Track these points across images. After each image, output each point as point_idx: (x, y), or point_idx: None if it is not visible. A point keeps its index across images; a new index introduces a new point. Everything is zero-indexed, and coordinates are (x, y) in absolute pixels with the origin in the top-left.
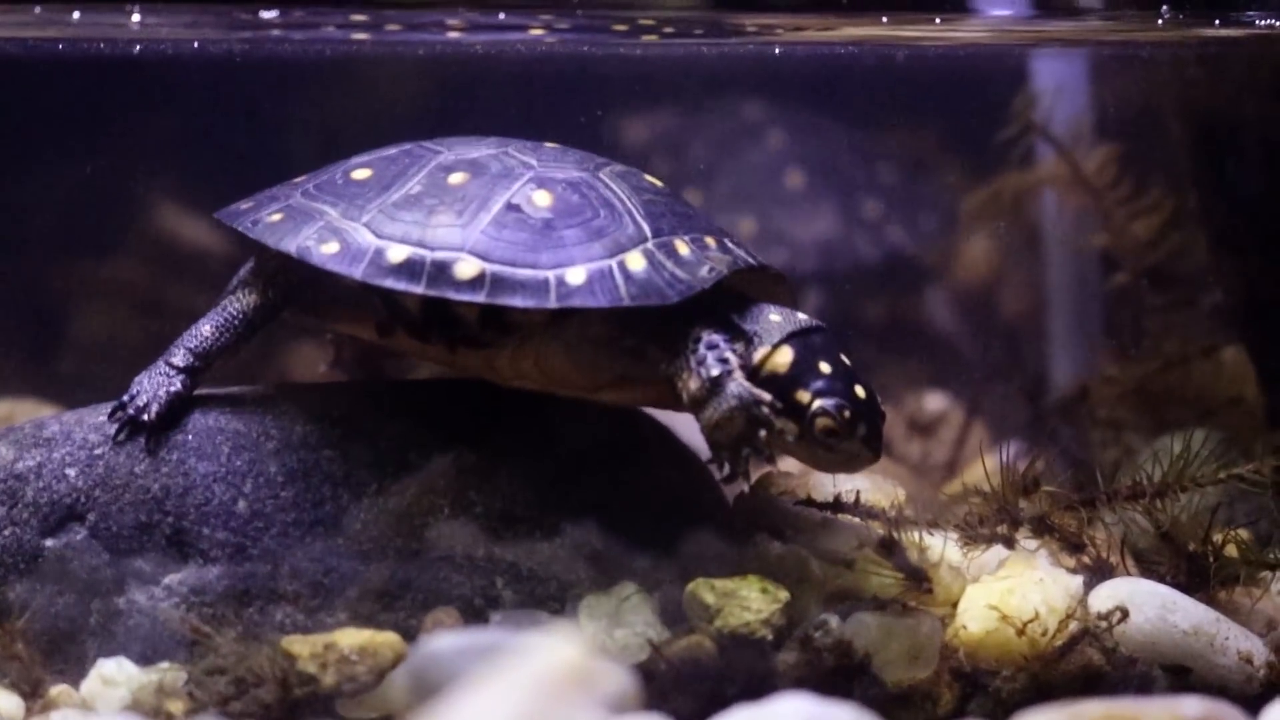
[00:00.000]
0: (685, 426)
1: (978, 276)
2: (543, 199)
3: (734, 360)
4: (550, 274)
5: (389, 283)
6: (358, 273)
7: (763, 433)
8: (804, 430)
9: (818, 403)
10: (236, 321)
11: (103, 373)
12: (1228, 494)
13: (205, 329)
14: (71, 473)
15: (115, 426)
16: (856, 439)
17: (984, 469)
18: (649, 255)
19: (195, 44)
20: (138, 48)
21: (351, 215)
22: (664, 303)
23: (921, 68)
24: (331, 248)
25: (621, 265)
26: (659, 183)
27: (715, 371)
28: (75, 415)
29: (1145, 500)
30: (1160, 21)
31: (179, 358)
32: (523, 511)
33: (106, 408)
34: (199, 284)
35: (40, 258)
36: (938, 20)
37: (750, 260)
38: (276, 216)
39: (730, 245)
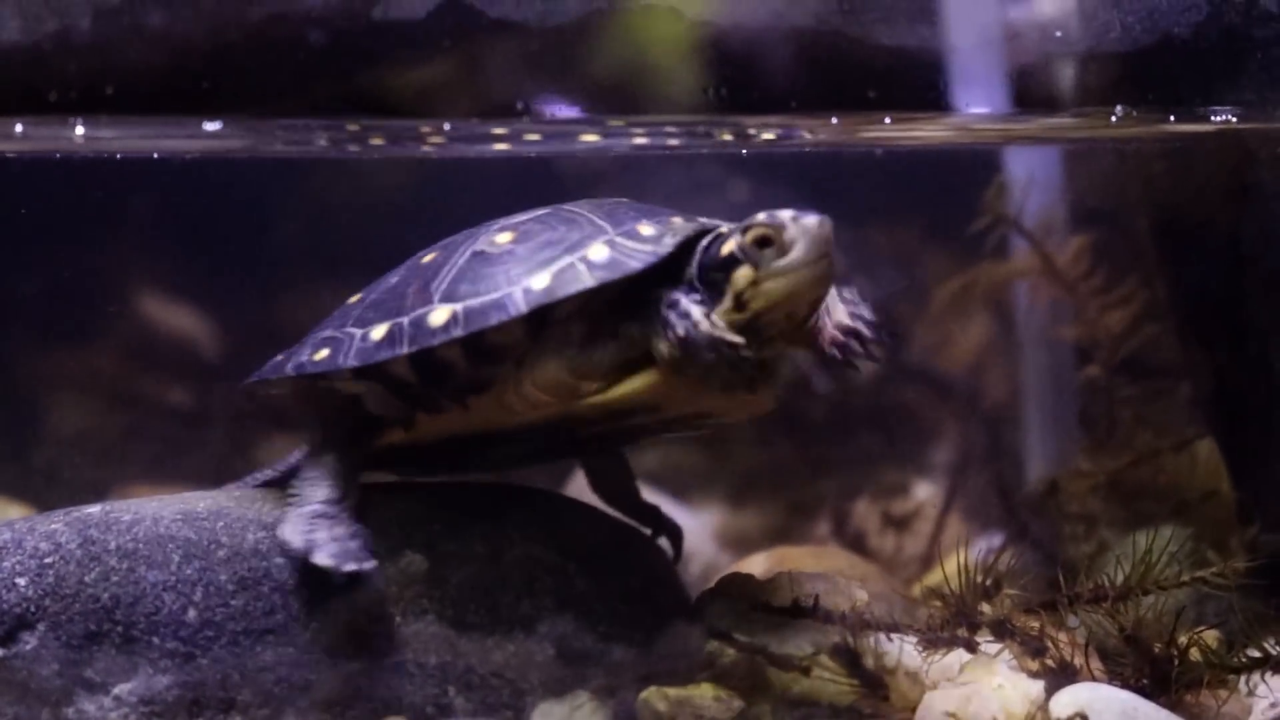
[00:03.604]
0: None
1: (960, 366)
2: (505, 237)
3: (697, 311)
4: (516, 288)
5: (378, 356)
6: (348, 362)
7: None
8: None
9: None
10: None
11: (75, 467)
12: (1196, 593)
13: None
14: (21, 582)
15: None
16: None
17: (950, 568)
18: (611, 243)
19: (154, 155)
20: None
21: (344, 324)
22: (629, 274)
23: (899, 162)
24: (322, 353)
25: (583, 258)
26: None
27: (680, 330)
28: (27, 523)
29: (1108, 603)
30: (1118, 119)
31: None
32: (475, 618)
33: (60, 515)
34: (175, 374)
35: (14, 349)
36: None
37: (720, 224)
38: (285, 359)
39: (702, 220)
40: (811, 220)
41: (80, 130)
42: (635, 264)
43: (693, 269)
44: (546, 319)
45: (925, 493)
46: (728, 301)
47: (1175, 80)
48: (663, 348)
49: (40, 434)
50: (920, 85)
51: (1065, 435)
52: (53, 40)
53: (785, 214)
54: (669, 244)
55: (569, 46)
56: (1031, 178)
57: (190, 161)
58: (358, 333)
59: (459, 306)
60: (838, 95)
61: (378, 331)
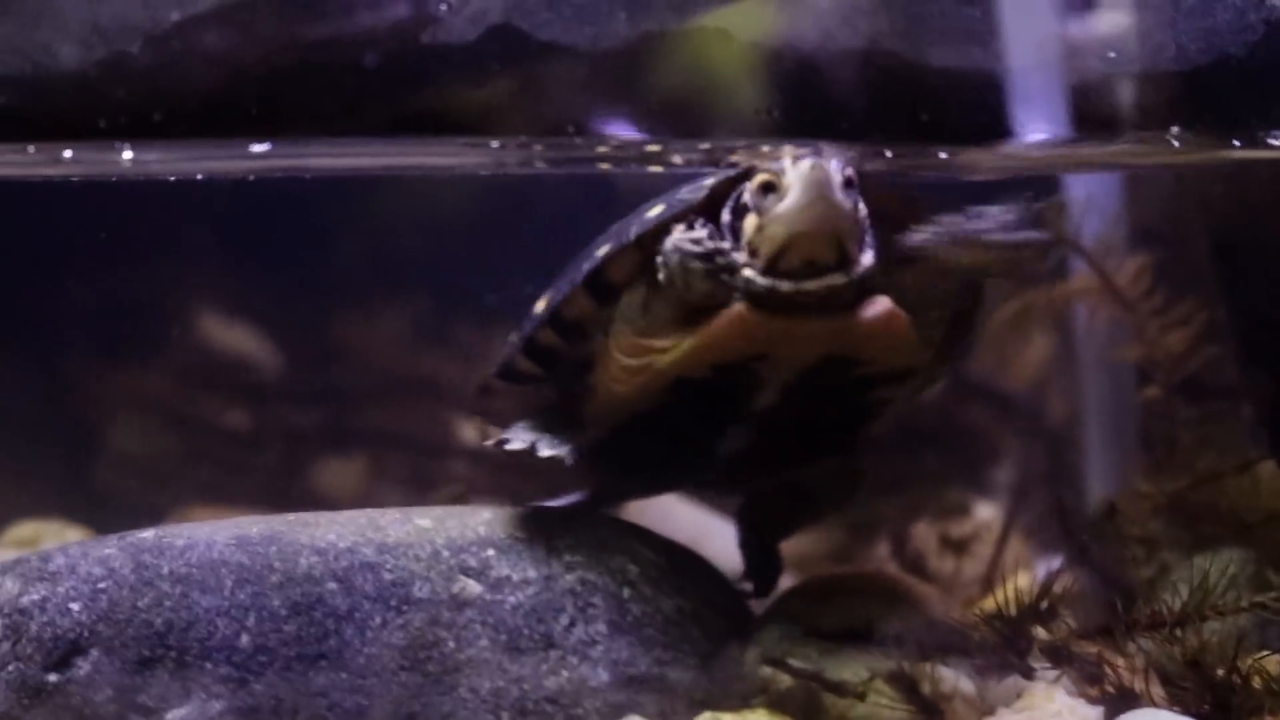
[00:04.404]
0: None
1: (1021, 386)
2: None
3: (677, 232)
4: (585, 265)
5: (508, 352)
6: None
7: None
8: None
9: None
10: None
11: (133, 489)
12: (1258, 618)
13: None
14: (75, 607)
15: None
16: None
17: (1009, 592)
18: (664, 203)
19: (199, 176)
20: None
21: None
22: (662, 221)
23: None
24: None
25: (641, 222)
26: None
27: (664, 247)
28: (81, 548)
29: (1167, 629)
30: (1182, 145)
31: None
32: (529, 643)
33: (114, 539)
34: (233, 396)
35: (73, 371)
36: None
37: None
38: None
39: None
40: (805, 164)
41: (128, 155)
42: (667, 213)
43: (725, 218)
44: (614, 290)
45: (986, 513)
46: (744, 249)
47: (1232, 101)
48: (660, 275)
49: (98, 456)
50: (975, 108)
51: (1125, 456)
52: (103, 66)
53: (785, 160)
54: (696, 193)
55: (619, 69)
56: (1090, 197)
57: (248, 182)
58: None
59: (553, 294)
60: (891, 118)
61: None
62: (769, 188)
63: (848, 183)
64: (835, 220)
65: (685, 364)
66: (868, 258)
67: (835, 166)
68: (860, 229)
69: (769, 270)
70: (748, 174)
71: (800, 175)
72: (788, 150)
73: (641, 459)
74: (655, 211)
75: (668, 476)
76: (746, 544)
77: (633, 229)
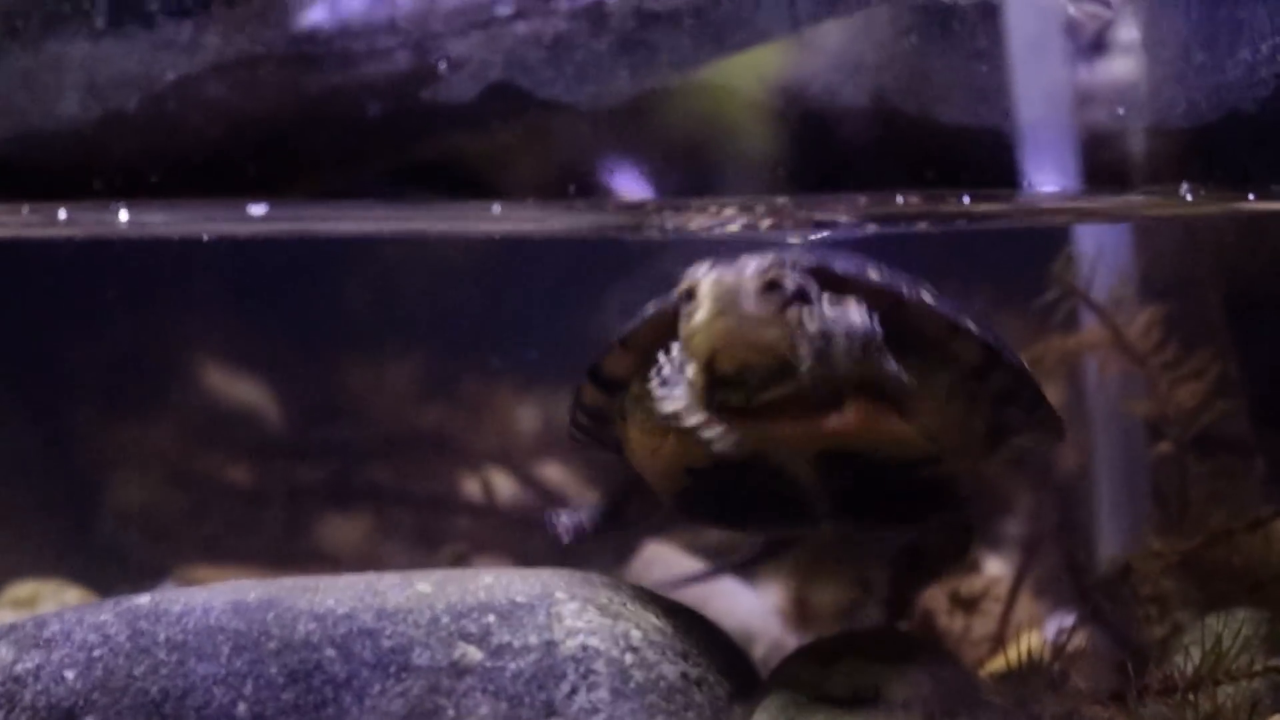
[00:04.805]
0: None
1: None
2: None
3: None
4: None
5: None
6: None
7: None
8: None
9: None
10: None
11: (134, 546)
12: (1272, 681)
13: None
14: (70, 675)
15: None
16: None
17: (1018, 653)
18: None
19: (204, 236)
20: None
21: None
22: (636, 326)
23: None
24: None
25: (630, 322)
26: None
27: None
28: (76, 614)
29: (1178, 695)
30: (1194, 198)
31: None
32: (529, 712)
33: (110, 605)
34: (237, 451)
35: (76, 426)
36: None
37: None
38: None
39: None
40: (712, 275)
41: (125, 216)
42: (646, 315)
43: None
44: (617, 382)
45: (996, 569)
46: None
47: (1243, 157)
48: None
49: (99, 512)
50: (982, 163)
51: (1137, 513)
52: (100, 124)
53: (703, 266)
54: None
55: (621, 127)
56: (1100, 250)
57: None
58: None
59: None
60: (898, 171)
61: None
62: (689, 295)
63: (769, 286)
64: (751, 333)
65: (682, 457)
66: (824, 358)
67: (753, 272)
68: (805, 333)
69: (709, 380)
70: None
71: (708, 288)
72: (704, 265)
73: (723, 515)
74: (648, 310)
75: (765, 527)
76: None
77: (621, 330)
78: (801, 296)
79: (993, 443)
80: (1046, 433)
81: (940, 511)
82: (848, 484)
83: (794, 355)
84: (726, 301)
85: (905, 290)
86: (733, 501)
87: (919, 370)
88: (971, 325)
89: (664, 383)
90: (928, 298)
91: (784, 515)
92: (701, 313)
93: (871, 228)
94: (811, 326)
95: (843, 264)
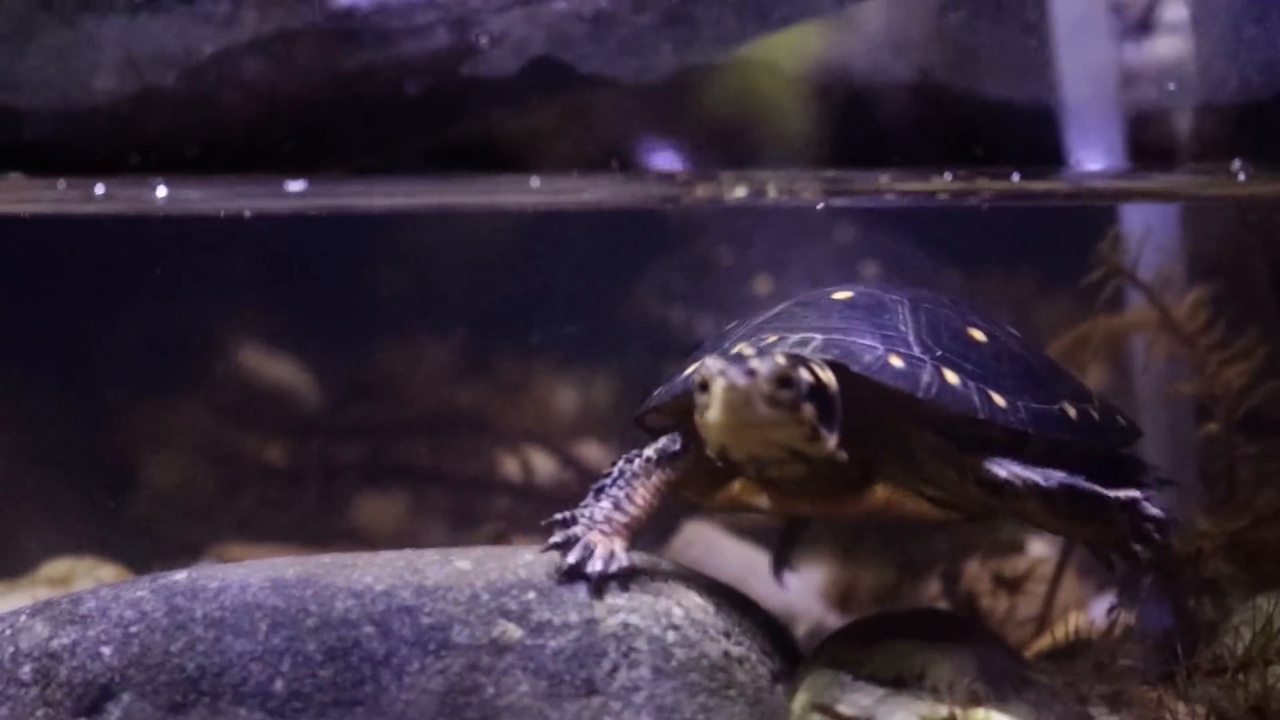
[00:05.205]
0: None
1: None
2: None
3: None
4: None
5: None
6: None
7: None
8: None
9: None
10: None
11: (169, 525)
12: None
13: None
14: (106, 651)
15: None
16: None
17: (1063, 634)
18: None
19: (246, 213)
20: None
21: None
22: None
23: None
24: None
25: (664, 388)
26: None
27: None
28: (113, 590)
29: (1227, 675)
30: (1245, 177)
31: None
32: (570, 689)
33: (146, 581)
34: (272, 429)
35: (111, 404)
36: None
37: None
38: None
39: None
40: (721, 383)
41: (162, 191)
42: (673, 389)
43: None
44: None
45: (1040, 549)
46: None
47: None
48: None
49: (134, 491)
50: (1029, 140)
51: (1184, 493)
52: (137, 100)
53: (716, 365)
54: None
55: (664, 102)
56: (1147, 229)
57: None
58: None
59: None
60: (942, 150)
61: None
62: (704, 386)
63: (781, 383)
64: (761, 432)
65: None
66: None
67: (766, 375)
68: (815, 425)
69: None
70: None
71: (719, 392)
72: (718, 366)
73: None
74: (682, 375)
75: None
76: None
77: (656, 393)
78: (815, 394)
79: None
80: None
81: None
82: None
83: (809, 446)
84: (738, 404)
85: (920, 393)
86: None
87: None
88: (998, 405)
89: None
90: (952, 379)
91: None
92: (713, 412)
93: (911, 203)
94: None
95: (865, 357)
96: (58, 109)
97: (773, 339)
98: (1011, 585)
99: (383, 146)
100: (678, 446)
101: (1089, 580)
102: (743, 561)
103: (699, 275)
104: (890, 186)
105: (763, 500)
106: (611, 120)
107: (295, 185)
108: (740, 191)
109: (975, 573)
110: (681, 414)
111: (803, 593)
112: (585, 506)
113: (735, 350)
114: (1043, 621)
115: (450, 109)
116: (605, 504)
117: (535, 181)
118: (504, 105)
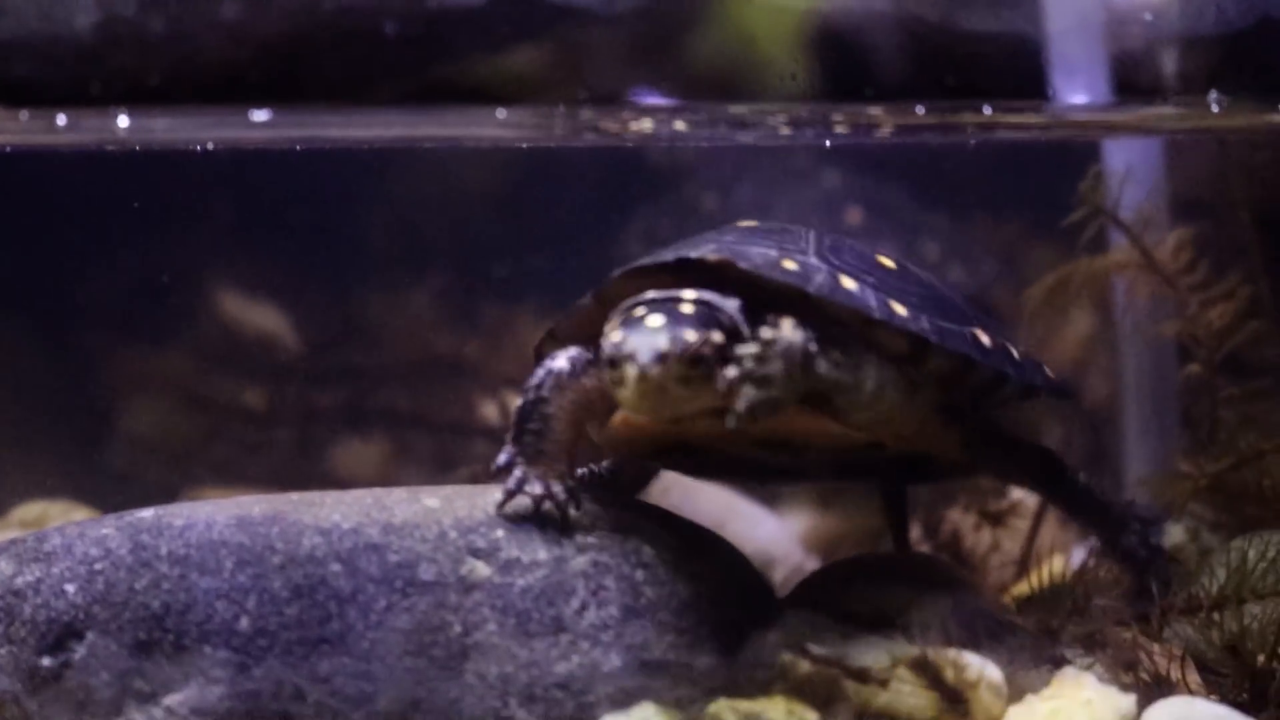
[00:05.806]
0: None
1: (1058, 363)
2: None
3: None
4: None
5: None
6: None
7: None
8: None
9: None
10: None
11: (146, 469)
12: None
13: None
14: (70, 588)
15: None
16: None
17: (1041, 577)
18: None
19: (209, 145)
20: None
21: None
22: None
23: (997, 151)
24: None
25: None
26: None
27: None
28: (78, 528)
29: (1202, 614)
30: (1223, 110)
31: None
32: (538, 628)
33: (112, 519)
34: (251, 374)
35: (87, 348)
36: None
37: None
38: None
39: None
40: (633, 371)
41: (124, 121)
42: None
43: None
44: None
45: (1020, 493)
46: None
47: (1274, 66)
48: None
49: (111, 435)
50: (1014, 73)
51: (1165, 436)
52: (104, 31)
53: (627, 347)
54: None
55: (647, 34)
56: (1129, 168)
57: (267, 155)
58: None
59: None
60: (931, 84)
61: None
62: (613, 363)
63: (691, 363)
64: (676, 405)
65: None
66: (763, 384)
67: (675, 355)
68: (732, 383)
69: None
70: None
71: (630, 380)
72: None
73: (702, 474)
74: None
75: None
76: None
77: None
78: (724, 353)
79: (955, 420)
80: (1037, 397)
81: (925, 477)
82: (801, 460)
83: (727, 402)
84: (650, 391)
85: (812, 288)
86: (706, 467)
87: (847, 366)
88: (897, 311)
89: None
90: (849, 284)
91: (758, 476)
92: (625, 392)
93: (886, 135)
94: (742, 370)
95: (756, 258)
96: (19, 37)
97: (669, 258)
98: (995, 519)
99: (358, 83)
100: (591, 355)
101: (1069, 525)
102: (721, 505)
103: (685, 219)
104: (871, 118)
105: (641, 435)
106: (591, 54)
107: (261, 114)
108: (720, 127)
109: (957, 515)
110: (585, 336)
111: (781, 538)
112: (514, 441)
113: (639, 315)
114: (1023, 565)
115: (418, 44)
116: (530, 433)
117: (501, 113)
118: (476, 38)
